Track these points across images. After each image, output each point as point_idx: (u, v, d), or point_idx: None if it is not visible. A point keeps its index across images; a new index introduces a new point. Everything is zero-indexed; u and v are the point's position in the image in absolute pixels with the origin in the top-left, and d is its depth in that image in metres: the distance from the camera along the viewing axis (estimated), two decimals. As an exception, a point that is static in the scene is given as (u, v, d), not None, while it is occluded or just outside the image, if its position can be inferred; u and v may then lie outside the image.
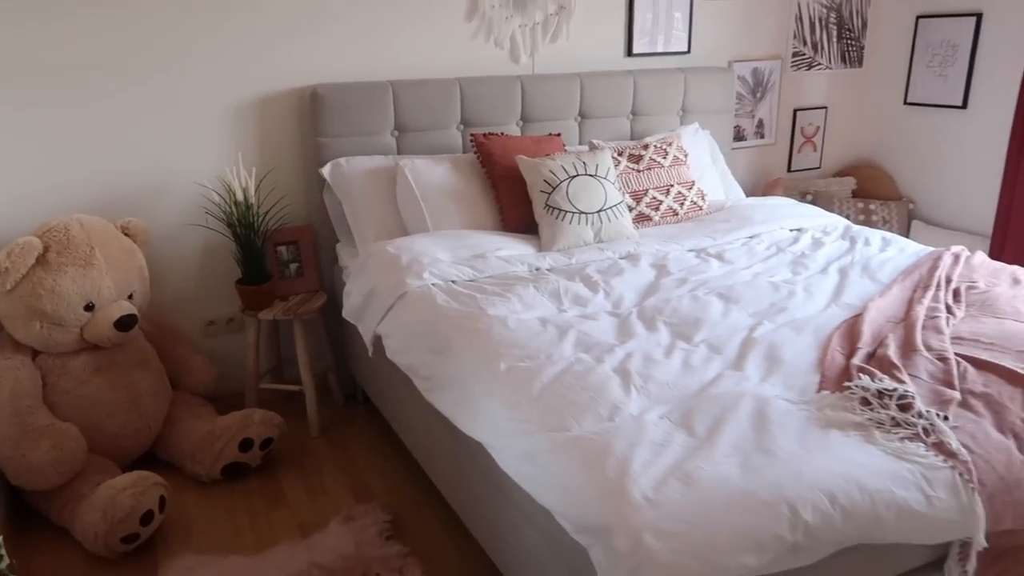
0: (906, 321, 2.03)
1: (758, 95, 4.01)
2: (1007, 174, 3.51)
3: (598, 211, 2.79)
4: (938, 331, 1.94)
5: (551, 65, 3.43)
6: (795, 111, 4.16)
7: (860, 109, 4.34)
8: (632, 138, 3.52)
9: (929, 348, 1.85)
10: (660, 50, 3.67)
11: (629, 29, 3.56)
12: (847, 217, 3.99)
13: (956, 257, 2.60)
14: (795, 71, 4.08)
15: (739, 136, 4.03)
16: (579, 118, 3.43)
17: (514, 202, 2.88)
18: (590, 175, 2.83)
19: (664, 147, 3.16)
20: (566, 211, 2.75)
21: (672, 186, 3.08)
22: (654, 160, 3.10)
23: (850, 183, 4.26)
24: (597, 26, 3.49)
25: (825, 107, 4.25)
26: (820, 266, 2.64)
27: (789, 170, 4.27)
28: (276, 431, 2.72)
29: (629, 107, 3.50)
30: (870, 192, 4.25)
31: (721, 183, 3.50)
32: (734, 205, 3.22)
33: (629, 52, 3.60)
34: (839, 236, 2.97)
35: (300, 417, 3.07)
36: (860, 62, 4.26)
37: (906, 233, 4.05)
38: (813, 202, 4.07)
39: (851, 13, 4.13)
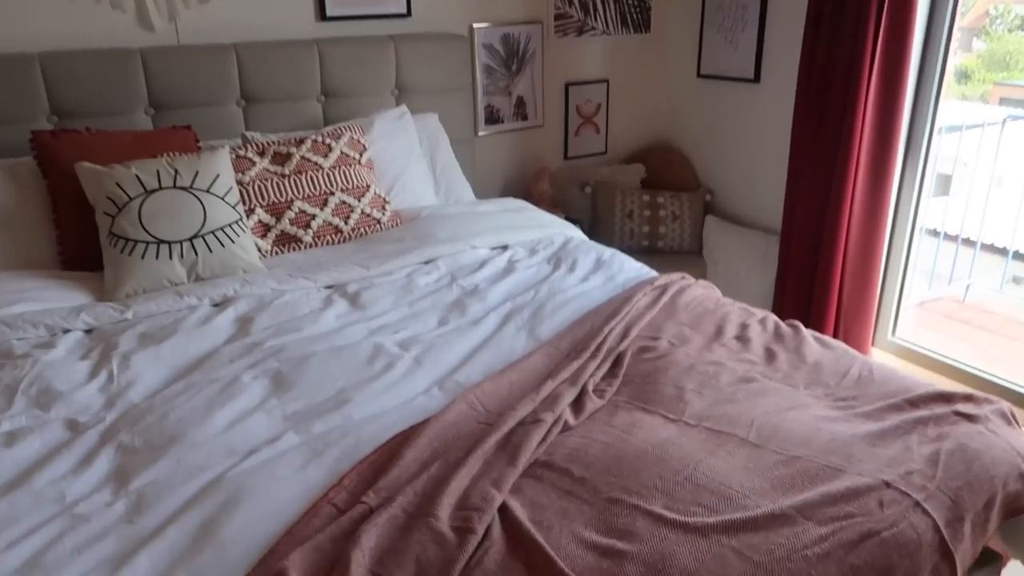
0: (492, 430, 1.29)
1: (514, 68, 3.24)
2: (791, 161, 2.85)
3: (191, 238, 1.98)
4: (513, 458, 1.21)
5: (206, 34, 2.57)
6: (567, 86, 3.41)
7: (651, 82, 3.63)
8: (327, 126, 2.71)
9: (464, 505, 1.11)
10: (367, 12, 2.85)
11: (319, -15, 2.73)
12: (629, 214, 3.29)
13: (661, 293, 1.89)
14: (561, 38, 3.32)
15: (494, 118, 3.26)
16: (242, 103, 2.60)
17: (82, 228, 2.05)
18: (182, 188, 2.01)
19: (327, 142, 2.37)
20: (135, 240, 1.93)
21: (332, 194, 2.29)
22: (307, 160, 2.31)
23: (639, 171, 3.56)
24: (271, -19, 2.66)
25: (606, 80, 3.52)
26: (484, 309, 1.90)
27: (566, 157, 3.53)
28: None
29: (317, 87, 2.69)
30: (664, 181, 3.56)
31: (435, 184, 2.73)
32: (429, 216, 2.45)
33: (323, 16, 2.77)
34: (545, 258, 2.24)
35: None
36: (647, 27, 3.53)
37: (700, 230, 3.37)
38: (592, 194, 3.36)
39: (629, -35, 3.39)
